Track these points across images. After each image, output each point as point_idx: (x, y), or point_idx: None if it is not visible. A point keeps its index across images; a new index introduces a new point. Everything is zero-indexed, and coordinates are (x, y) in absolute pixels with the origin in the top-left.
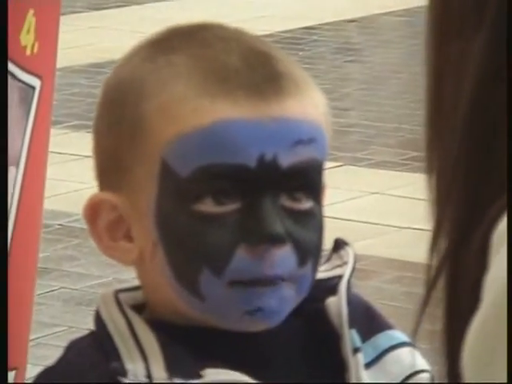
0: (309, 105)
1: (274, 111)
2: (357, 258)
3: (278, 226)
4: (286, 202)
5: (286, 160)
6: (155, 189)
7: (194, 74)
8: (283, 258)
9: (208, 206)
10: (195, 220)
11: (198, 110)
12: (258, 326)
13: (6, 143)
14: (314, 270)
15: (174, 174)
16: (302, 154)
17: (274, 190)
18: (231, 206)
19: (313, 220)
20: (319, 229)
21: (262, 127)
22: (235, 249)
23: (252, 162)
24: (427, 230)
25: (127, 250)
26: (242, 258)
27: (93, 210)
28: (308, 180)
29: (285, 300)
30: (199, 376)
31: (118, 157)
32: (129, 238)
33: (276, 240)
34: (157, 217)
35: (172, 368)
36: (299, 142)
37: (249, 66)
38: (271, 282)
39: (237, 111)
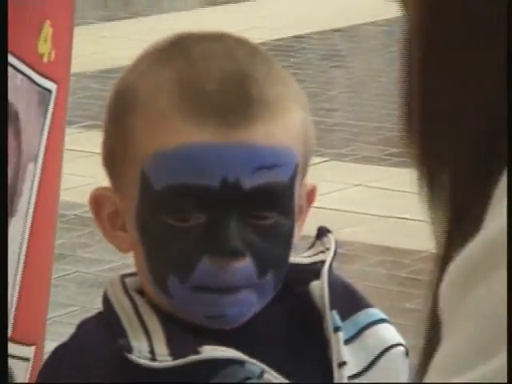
0: (279, 130)
1: (239, 137)
2: (342, 244)
3: (238, 240)
4: (249, 218)
5: (248, 183)
6: (137, 195)
7: (175, 93)
8: (242, 269)
9: (175, 220)
10: (164, 231)
11: (171, 130)
12: (221, 326)
13: (5, 144)
14: (277, 277)
15: (149, 186)
16: (265, 178)
17: (237, 208)
18: (197, 221)
19: (276, 234)
20: (283, 241)
21: (226, 152)
22: (199, 259)
23: (216, 184)
24: (404, 219)
25: (123, 239)
26: (205, 268)
27: (96, 202)
28: (270, 200)
29: (245, 305)
30: (197, 352)
31: (114, 158)
32: (124, 228)
33: (235, 253)
34: (137, 221)
35: (173, 345)
36: (262, 168)
37: (223, 90)
38: (231, 290)
39: (205, 135)
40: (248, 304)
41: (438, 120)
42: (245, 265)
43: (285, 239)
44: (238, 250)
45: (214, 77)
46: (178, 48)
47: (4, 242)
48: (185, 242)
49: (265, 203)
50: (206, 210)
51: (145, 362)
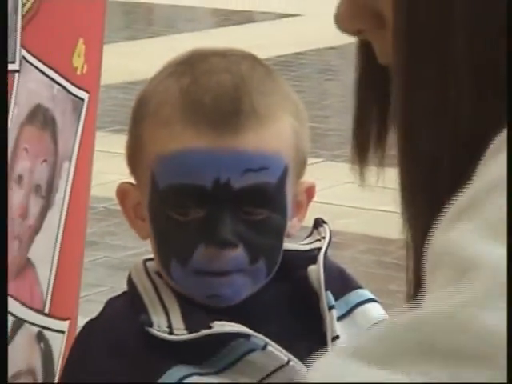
0: (268, 137)
1: (229, 144)
2: (335, 234)
3: (229, 233)
4: (241, 214)
5: (238, 183)
6: (148, 192)
7: (177, 104)
8: (235, 257)
9: (177, 214)
10: (168, 223)
11: (172, 137)
12: (218, 304)
13: (5, 144)
14: (269, 264)
15: (156, 184)
16: (253, 179)
17: (229, 205)
18: (196, 215)
19: (267, 227)
20: (274, 233)
21: (218, 157)
22: (196, 247)
23: (209, 184)
24: (390, 212)
25: (142, 228)
26: (201, 255)
27: (122, 195)
28: (260, 198)
29: (239, 288)
30: (209, 327)
31: (134, 159)
32: (143, 218)
33: (226, 244)
34: (148, 213)
35: (188, 321)
36: (249, 170)
37: (218, 103)
38: (223, 273)
39: (200, 142)
40: (240, 286)
41: (415, 123)
42: (237, 253)
43: (276, 232)
44: (229, 241)
45: (211, 90)
46: (187, 65)
47: (4, 242)
48: (185, 232)
49: (254, 201)
50: (203, 206)
51: (163, 335)
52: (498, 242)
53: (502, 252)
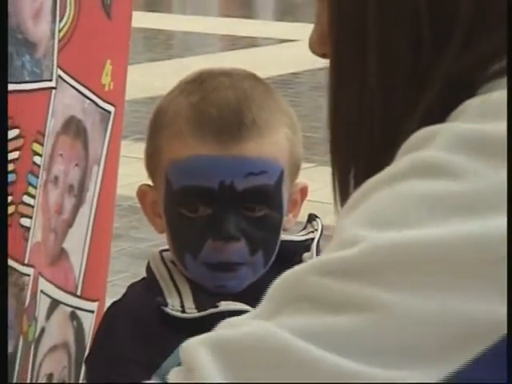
0: (266, 146)
1: (233, 151)
2: (326, 227)
3: (233, 229)
4: (244, 211)
5: (241, 185)
6: (163, 193)
7: (188, 118)
8: (238, 249)
9: (188, 212)
10: (180, 219)
11: (184, 146)
12: (225, 292)
13: (6, 144)
14: (266, 255)
15: (170, 186)
16: (254, 182)
17: (233, 204)
18: (204, 213)
19: (265, 223)
20: (271, 228)
21: (223, 162)
22: (205, 241)
23: (215, 186)
24: None
25: (159, 224)
26: (209, 248)
27: (141, 195)
28: (260, 197)
29: (242, 279)
30: (216, 307)
31: (151, 164)
32: (160, 215)
33: (230, 238)
34: (164, 211)
35: (198, 302)
36: (251, 174)
37: (222, 116)
38: (230, 268)
39: (207, 150)
40: (243, 277)
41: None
42: (239, 246)
43: (272, 227)
44: (233, 235)
45: (217, 105)
46: (196, 83)
47: (4, 241)
48: (195, 228)
49: (255, 200)
50: (211, 204)
51: (177, 313)
52: (369, 228)
53: (366, 233)
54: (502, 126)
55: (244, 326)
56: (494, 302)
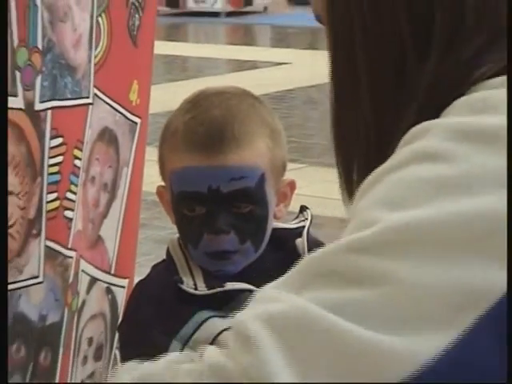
0: (245, 156)
1: (217, 162)
2: (315, 217)
3: (223, 224)
4: (232, 208)
5: (225, 189)
6: (169, 195)
7: (183, 134)
8: (229, 240)
9: (187, 211)
10: (182, 217)
11: (179, 158)
12: (223, 275)
13: (6, 145)
14: (255, 244)
15: (172, 191)
16: (237, 185)
17: (222, 204)
18: (200, 211)
19: (252, 217)
20: (258, 221)
21: (210, 171)
22: (202, 234)
23: (205, 190)
24: None
25: (172, 217)
26: (205, 240)
27: (159, 194)
28: (243, 197)
29: (236, 264)
30: (222, 286)
31: (161, 170)
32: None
33: (221, 231)
34: (172, 210)
35: (207, 281)
36: (233, 179)
37: (208, 134)
38: (224, 256)
39: (196, 162)
40: (237, 262)
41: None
42: (230, 237)
43: (258, 219)
44: (223, 229)
45: (205, 123)
46: (192, 103)
47: (4, 240)
48: (193, 224)
49: (239, 200)
50: (205, 205)
51: (190, 290)
52: (382, 210)
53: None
54: (487, 118)
55: (279, 301)
56: (491, 270)
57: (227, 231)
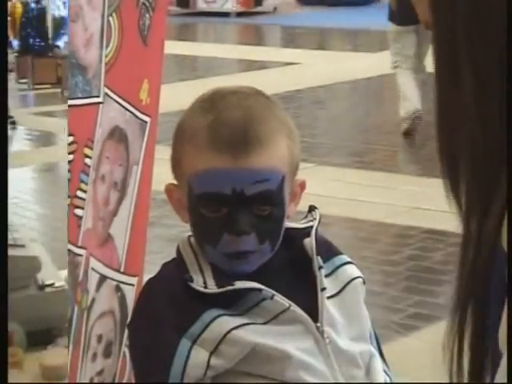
0: (268, 157)
1: (241, 164)
2: (323, 217)
3: (244, 225)
4: (253, 210)
5: (249, 191)
6: (186, 195)
7: (205, 135)
8: (249, 240)
9: (206, 212)
10: (201, 218)
11: (202, 159)
12: (240, 274)
13: (6, 145)
14: (272, 244)
15: (192, 191)
16: (260, 188)
17: (244, 205)
18: (221, 213)
19: (270, 219)
20: (276, 223)
21: (234, 173)
22: (222, 234)
23: (229, 192)
24: (362, 201)
25: (183, 215)
26: (225, 241)
27: (168, 192)
28: (265, 200)
29: (253, 263)
30: (232, 284)
31: (175, 170)
32: (184, 208)
33: (242, 232)
34: (188, 209)
35: (217, 280)
36: (257, 182)
37: (232, 133)
38: (243, 256)
39: (220, 163)
40: (254, 262)
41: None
42: (250, 238)
43: (277, 222)
44: (244, 230)
45: (227, 124)
46: (209, 102)
47: (4, 239)
48: (213, 224)
49: (261, 202)
50: (226, 206)
51: (200, 288)
52: None
53: None
54: None
55: None
56: None
57: (248, 232)
